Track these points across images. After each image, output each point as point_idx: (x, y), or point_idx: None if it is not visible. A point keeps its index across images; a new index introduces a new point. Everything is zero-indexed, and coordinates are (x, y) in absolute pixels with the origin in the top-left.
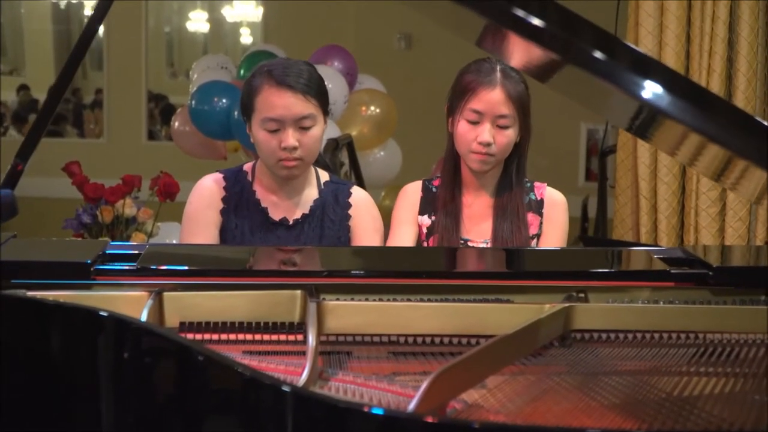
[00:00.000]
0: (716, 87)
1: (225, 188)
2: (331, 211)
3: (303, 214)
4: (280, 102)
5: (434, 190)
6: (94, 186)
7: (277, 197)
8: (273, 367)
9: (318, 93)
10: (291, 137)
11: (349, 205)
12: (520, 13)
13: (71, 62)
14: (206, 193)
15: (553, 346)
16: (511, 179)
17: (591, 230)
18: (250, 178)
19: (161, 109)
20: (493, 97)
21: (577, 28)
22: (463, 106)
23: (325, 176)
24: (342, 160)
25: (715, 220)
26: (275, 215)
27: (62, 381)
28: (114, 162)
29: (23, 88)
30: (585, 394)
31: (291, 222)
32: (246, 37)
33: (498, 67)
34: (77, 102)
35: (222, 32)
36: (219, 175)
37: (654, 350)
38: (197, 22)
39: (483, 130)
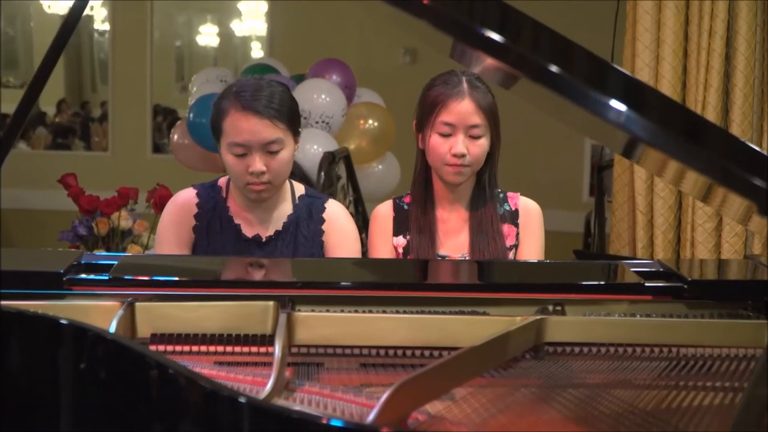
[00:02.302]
0: (713, 101)
1: (198, 205)
2: (305, 227)
3: (276, 230)
4: (246, 127)
5: (406, 207)
6: (89, 198)
7: (250, 213)
8: (241, 378)
9: (287, 117)
10: (258, 162)
11: (323, 220)
12: (487, 33)
13: (43, 68)
14: (179, 210)
15: (524, 358)
16: (484, 190)
17: (594, 245)
18: (224, 193)
19: (169, 123)
20: (463, 108)
21: (544, 45)
22: (434, 119)
23: (300, 189)
24: (339, 174)
25: (711, 235)
26: (248, 232)
27: (22, 391)
28: (118, 175)
29: None
30: (551, 407)
31: (264, 239)
32: (256, 51)
33: (464, 79)
34: (85, 115)
35: (232, 46)
36: (192, 192)
37: (626, 363)
38: (207, 36)
39: (456, 141)
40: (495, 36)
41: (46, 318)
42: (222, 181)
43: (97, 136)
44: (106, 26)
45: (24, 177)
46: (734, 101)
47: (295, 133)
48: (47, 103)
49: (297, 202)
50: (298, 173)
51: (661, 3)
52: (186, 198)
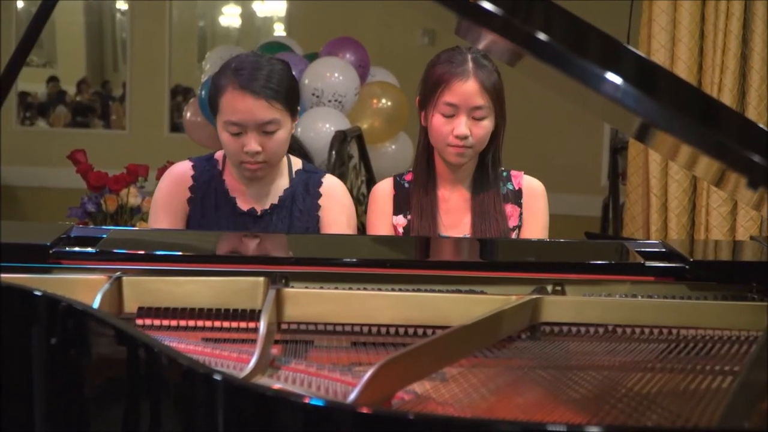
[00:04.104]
0: (729, 84)
1: (193, 177)
2: (301, 201)
3: (272, 204)
4: (243, 107)
5: (407, 186)
6: (97, 174)
7: (246, 187)
8: (226, 355)
9: (285, 97)
10: (253, 142)
11: (320, 195)
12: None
13: (16, 57)
14: (173, 182)
15: (520, 338)
16: (487, 170)
17: (610, 229)
18: (220, 166)
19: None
20: (467, 89)
21: (556, 23)
22: (437, 99)
23: (297, 164)
24: (351, 153)
25: (726, 219)
26: (243, 206)
27: None
28: (134, 153)
29: (53, 79)
30: (544, 389)
31: (259, 212)
32: (279, 32)
33: (470, 57)
34: (106, 94)
35: (254, 27)
36: (188, 164)
37: (623, 345)
38: (230, 16)
39: (459, 122)
40: (500, 12)
41: (18, 289)
42: (219, 154)
43: (116, 114)
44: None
45: (41, 154)
46: (751, 84)
47: (293, 113)
48: (68, 82)
49: (294, 176)
50: (297, 148)
51: None
52: (181, 170)
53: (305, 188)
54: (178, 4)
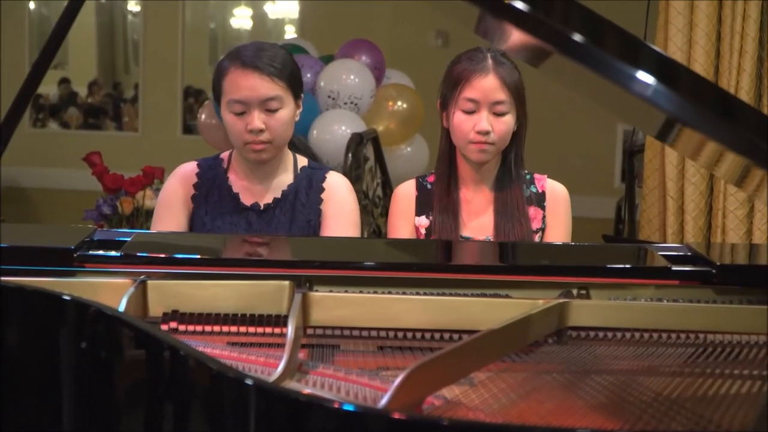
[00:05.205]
0: (746, 86)
1: (198, 175)
2: (303, 195)
3: (275, 198)
4: (246, 83)
5: (429, 187)
6: (113, 176)
7: (249, 183)
8: (253, 359)
9: (288, 77)
10: (257, 119)
11: (323, 189)
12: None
13: (40, 62)
14: (177, 181)
15: (547, 343)
16: (510, 170)
17: (626, 232)
18: (225, 165)
19: (201, 104)
20: (487, 84)
21: (576, 20)
22: (458, 96)
23: (303, 161)
24: (367, 155)
25: (743, 222)
26: (247, 200)
27: (21, 368)
28: (148, 155)
29: (64, 81)
30: (573, 394)
31: (262, 207)
32: (290, 34)
33: (489, 55)
34: (117, 96)
35: (265, 29)
36: (193, 164)
37: (651, 349)
38: (241, 18)
39: (480, 118)
40: (525, 8)
41: (46, 293)
42: (224, 155)
43: (128, 116)
44: (139, 7)
45: (54, 156)
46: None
47: (296, 96)
48: (79, 83)
49: (298, 172)
50: (309, 155)
51: None
52: (187, 169)
53: (308, 183)
54: (190, 5)
